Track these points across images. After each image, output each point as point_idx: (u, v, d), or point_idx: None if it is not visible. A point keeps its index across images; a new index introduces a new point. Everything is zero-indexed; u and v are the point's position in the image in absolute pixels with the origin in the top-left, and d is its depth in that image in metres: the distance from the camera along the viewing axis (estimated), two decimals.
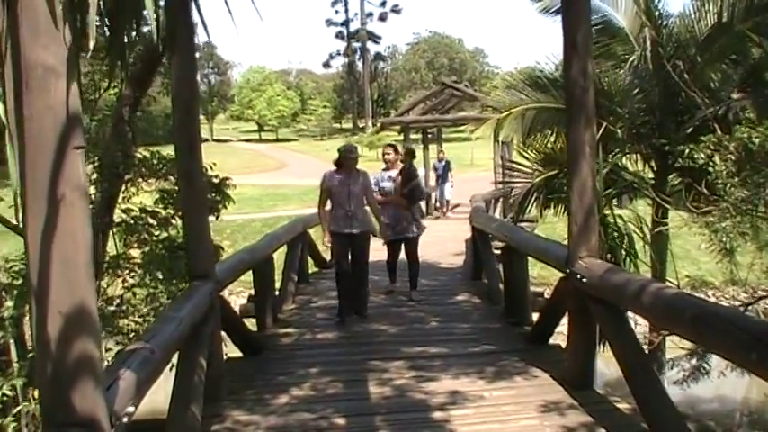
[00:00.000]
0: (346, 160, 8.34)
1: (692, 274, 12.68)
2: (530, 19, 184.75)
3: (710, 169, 7.57)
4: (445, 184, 22.51)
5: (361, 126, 73.88)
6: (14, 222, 5.31)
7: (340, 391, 5.93)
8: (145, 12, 2.73)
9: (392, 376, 6.18)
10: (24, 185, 2.62)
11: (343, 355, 7.07)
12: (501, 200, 18.69)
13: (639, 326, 7.18)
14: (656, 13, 9.81)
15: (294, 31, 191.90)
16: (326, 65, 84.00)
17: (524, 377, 6.03)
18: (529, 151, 10.64)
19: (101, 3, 2.69)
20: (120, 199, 8.65)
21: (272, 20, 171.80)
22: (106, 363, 3.96)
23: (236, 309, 9.95)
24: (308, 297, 10.08)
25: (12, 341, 6.85)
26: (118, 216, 8.60)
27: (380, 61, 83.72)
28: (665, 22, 9.92)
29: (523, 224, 13.62)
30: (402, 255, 9.50)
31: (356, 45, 79.02)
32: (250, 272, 8.29)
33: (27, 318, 5.83)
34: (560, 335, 6.58)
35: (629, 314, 5.17)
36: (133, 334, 7.01)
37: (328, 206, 8.54)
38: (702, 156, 7.83)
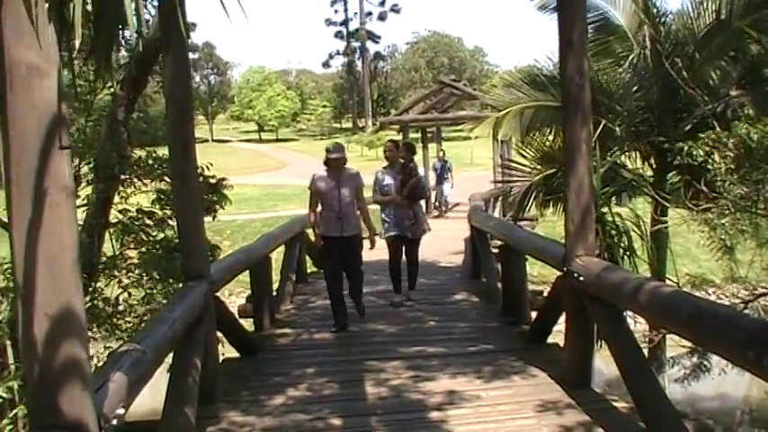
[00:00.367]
0: (331, 161, 7.92)
1: (693, 271, 12.65)
2: (529, 17, 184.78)
3: (709, 166, 7.54)
4: (445, 184, 22.48)
5: (360, 125, 73.85)
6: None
7: (336, 391, 5.90)
8: (130, 11, 2.68)
9: (389, 376, 6.15)
10: (10, 185, 2.59)
11: (340, 355, 7.04)
12: (500, 199, 18.69)
13: (640, 324, 7.15)
14: (655, 11, 9.78)
15: (293, 31, 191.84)
16: (326, 64, 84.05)
17: (522, 376, 6.00)
18: (527, 150, 10.59)
19: (85, 1, 2.65)
20: (116, 199, 8.64)
21: (272, 20, 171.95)
22: (102, 363, 3.94)
23: (235, 309, 9.97)
24: (306, 297, 10.05)
25: (8, 343, 6.84)
26: (114, 217, 8.60)
27: (380, 60, 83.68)
28: (663, 20, 9.88)
29: (523, 223, 13.60)
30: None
31: (356, 44, 78.98)
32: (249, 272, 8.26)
33: None
34: (559, 333, 6.54)
35: (630, 312, 5.15)
36: (134, 333, 7.01)
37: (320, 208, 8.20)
38: (701, 153, 7.79)
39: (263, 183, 37.14)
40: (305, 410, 5.39)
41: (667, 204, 9.20)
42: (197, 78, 79.39)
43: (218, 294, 6.20)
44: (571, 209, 5.48)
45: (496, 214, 17.04)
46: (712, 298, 14.49)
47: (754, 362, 3.16)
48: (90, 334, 8.87)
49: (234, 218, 23.95)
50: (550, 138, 10.41)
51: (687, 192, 8.44)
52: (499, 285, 8.76)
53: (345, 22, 78.97)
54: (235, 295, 16.12)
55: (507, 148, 17.75)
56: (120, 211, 8.75)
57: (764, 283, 8.81)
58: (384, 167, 9.21)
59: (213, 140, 72.63)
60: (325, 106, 79.34)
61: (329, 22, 79.21)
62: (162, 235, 8.66)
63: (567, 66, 5.44)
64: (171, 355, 4.86)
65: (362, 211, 8.16)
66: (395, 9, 76.85)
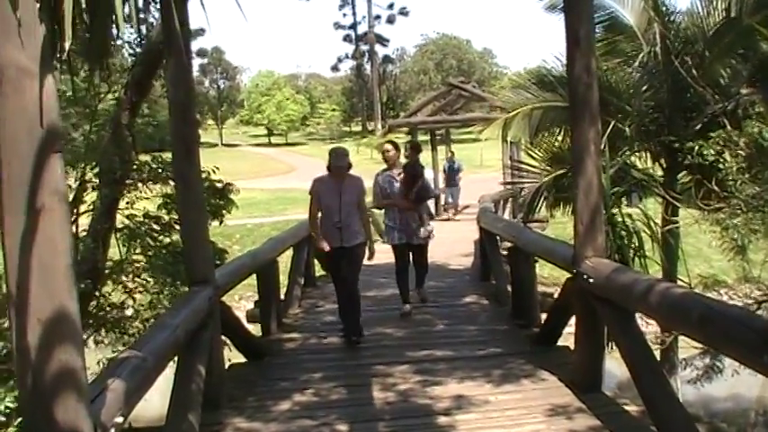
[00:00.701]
0: (334, 168, 7.45)
1: (705, 272, 12.53)
2: (538, 19, 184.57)
3: (720, 166, 7.46)
4: (455, 186, 22.35)
5: (370, 129, 73.75)
6: None
7: (343, 396, 5.84)
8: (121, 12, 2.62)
9: (397, 381, 6.07)
10: (0, 190, 2.54)
11: (347, 359, 6.96)
12: (510, 200, 18.60)
13: (651, 325, 7.06)
14: (664, 8, 9.67)
15: (302, 36, 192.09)
16: (335, 68, 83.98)
17: (531, 380, 5.92)
18: (536, 151, 10.52)
19: (78, 2, 2.59)
20: (123, 204, 8.62)
21: (281, 24, 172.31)
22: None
23: (243, 313, 9.93)
24: (314, 301, 9.97)
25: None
26: (120, 222, 8.58)
27: (389, 63, 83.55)
28: (672, 18, 9.78)
29: (533, 224, 13.51)
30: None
31: (364, 48, 78.87)
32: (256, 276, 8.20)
33: None
34: (569, 336, 6.45)
35: (640, 314, 5.06)
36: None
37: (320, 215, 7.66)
38: (712, 152, 7.72)
39: (272, 187, 37.13)
40: (311, 416, 5.32)
41: (678, 204, 9.11)
42: (206, 83, 79.69)
43: (224, 299, 6.15)
44: (580, 209, 5.40)
45: (506, 216, 16.99)
46: (724, 299, 14.39)
47: None
48: (99, 338, 8.88)
49: (243, 222, 23.96)
50: (559, 138, 10.33)
51: (698, 191, 8.33)
52: (509, 288, 8.68)
53: (354, 26, 78.94)
54: (245, 299, 16.12)
55: (516, 149, 17.64)
56: (126, 217, 8.74)
57: None
58: (383, 170, 8.90)
59: (223, 145, 72.77)
60: (334, 110, 79.37)
61: (338, 26, 79.22)
62: (169, 240, 8.64)
63: (575, 65, 5.37)
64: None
65: (364, 219, 7.69)
66: (403, 12, 76.76)
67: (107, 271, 8.68)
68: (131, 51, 8.96)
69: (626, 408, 5.13)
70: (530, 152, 10.81)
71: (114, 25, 2.75)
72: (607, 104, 8.58)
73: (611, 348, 5.74)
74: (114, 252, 9.01)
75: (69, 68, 3.30)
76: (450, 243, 14.43)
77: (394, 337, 7.71)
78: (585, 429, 4.80)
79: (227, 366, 6.55)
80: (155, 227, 8.79)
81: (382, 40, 79.24)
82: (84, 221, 8.52)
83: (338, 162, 7.43)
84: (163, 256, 8.65)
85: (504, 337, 7.43)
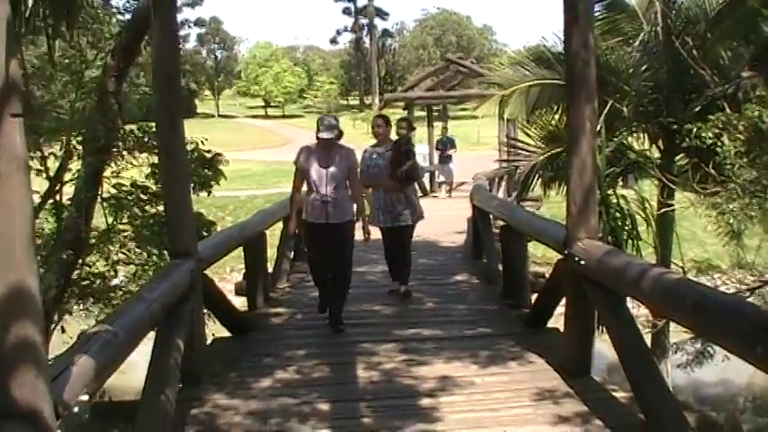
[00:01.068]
0: (322, 137, 6.74)
1: (699, 256, 12.47)
2: None
3: (718, 149, 7.33)
4: (449, 163, 22.10)
5: (368, 103, 73.35)
6: None
7: (326, 374, 5.73)
8: None
9: (382, 360, 5.96)
10: None
11: (332, 336, 6.81)
12: (505, 178, 18.45)
13: (642, 308, 6.95)
14: None
15: (301, 7, 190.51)
16: (334, 41, 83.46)
17: (519, 362, 5.80)
18: (532, 129, 10.37)
19: None
20: (109, 173, 8.48)
21: None
22: None
23: (233, 286, 9.79)
24: (303, 275, 9.77)
25: None
26: (107, 191, 8.45)
27: (388, 38, 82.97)
28: None
29: (528, 203, 13.40)
30: None
31: (363, 21, 78.30)
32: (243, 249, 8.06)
33: None
34: (561, 317, 6.33)
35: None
36: None
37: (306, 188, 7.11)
38: (710, 135, 7.58)
39: (267, 159, 36.89)
40: (292, 394, 5.20)
41: (674, 187, 9.00)
42: (203, 53, 79.06)
43: (216, 270, 6.01)
44: (573, 189, 5.26)
45: (501, 194, 16.84)
46: (718, 283, 14.35)
47: (763, 357, 2.94)
48: (86, 308, 8.77)
49: (237, 194, 23.83)
50: (556, 117, 10.18)
51: (695, 175, 8.23)
52: (500, 267, 8.55)
53: None
54: (237, 272, 15.98)
55: (513, 127, 17.47)
56: (113, 186, 8.59)
57: None
58: (372, 145, 8.40)
59: (219, 116, 72.38)
60: (332, 83, 78.87)
61: None
62: (155, 210, 8.50)
63: (573, 41, 5.20)
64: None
65: (356, 193, 7.10)
66: None
67: (92, 240, 8.54)
68: (120, 18, 8.78)
69: (614, 394, 5.01)
70: (525, 130, 10.67)
71: None
72: (606, 84, 8.43)
73: (602, 332, 5.64)
74: (102, 222, 8.88)
75: (46, 31, 3.14)
76: (444, 220, 14.28)
77: (381, 315, 7.60)
78: (572, 415, 4.68)
79: (210, 341, 6.46)
80: (142, 197, 8.65)
81: (382, 14, 78.68)
82: (70, 190, 8.37)
83: (326, 131, 6.73)
84: (150, 225, 8.52)
85: (494, 318, 7.32)
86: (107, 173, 8.48)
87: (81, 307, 8.68)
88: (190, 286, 5.18)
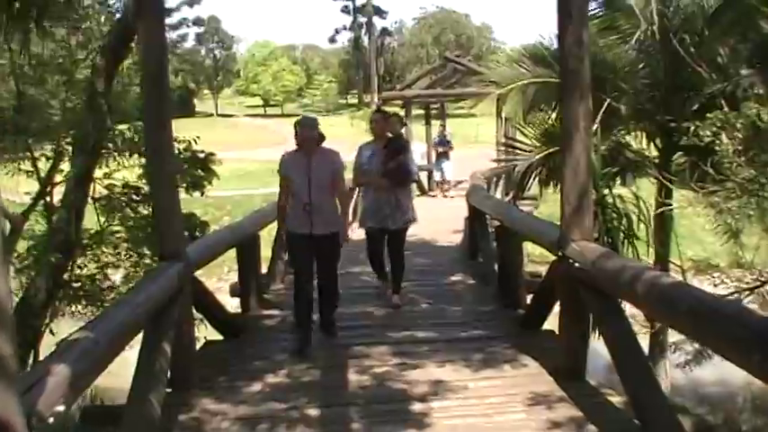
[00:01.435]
0: (302, 141, 6.41)
1: (697, 255, 12.42)
2: None
3: (717, 148, 7.25)
4: (446, 161, 21.95)
5: (366, 101, 73.23)
6: None
7: (317, 378, 5.64)
8: None
9: (374, 363, 5.87)
10: None
11: (324, 339, 6.69)
12: (503, 177, 18.34)
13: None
14: None
15: (300, 6, 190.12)
16: (332, 40, 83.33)
17: (513, 366, 5.71)
18: (528, 128, 10.29)
19: None
20: (101, 174, 8.40)
21: None
22: None
23: (227, 287, 9.68)
24: None
25: None
26: (99, 192, 8.38)
27: (387, 36, 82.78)
28: None
29: (525, 202, 13.32)
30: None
31: (362, 20, 78.19)
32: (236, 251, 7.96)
33: None
34: (556, 318, 6.25)
35: None
36: None
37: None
38: (708, 133, 7.49)
39: (265, 158, 36.79)
40: (282, 399, 5.12)
41: (672, 186, 8.92)
42: (202, 52, 78.95)
43: (212, 271, 5.92)
44: (567, 189, 5.17)
45: (498, 194, 16.74)
46: (716, 282, 14.27)
47: (760, 367, 2.85)
48: (78, 311, 8.69)
49: (235, 193, 23.77)
50: (553, 116, 10.10)
51: (693, 173, 8.16)
52: (496, 267, 8.45)
53: None
54: (234, 272, 15.88)
55: (511, 126, 17.38)
56: (105, 187, 8.51)
57: None
58: (368, 142, 7.99)
59: (218, 115, 72.32)
60: (330, 81, 78.75)
61: None
62: (147, 211, 8.42)
63: (566, 37, 5.10)
64: None
65: (341, 200, 6.64)
66: None
67: (84, 242, 8.46)
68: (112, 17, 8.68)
69: (610, 398, 4.92)
70: (521, 129, 10.59)
71: None
72: (602, 82, 8.33)
73: (598, 337, 5.55)
74: (93, 223, 8.80)
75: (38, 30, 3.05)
76: (441, 219, 14.20)
77: (375, 317, 7.49)
78: (566, 420, 4.60)
79: (201, 344, 6.37)
80: (134, 197, 8.57)
81: (380, 13, 78.60)
82: (61, 192, 8.29)
83: (306, 134, 6.36)
84: (142, 227, 8.44)
85: (488, 319, 7.22)
86: (99, 173, 8.40)
87: (73, 309, 8.60)
88: (178, 289, 5.09)
